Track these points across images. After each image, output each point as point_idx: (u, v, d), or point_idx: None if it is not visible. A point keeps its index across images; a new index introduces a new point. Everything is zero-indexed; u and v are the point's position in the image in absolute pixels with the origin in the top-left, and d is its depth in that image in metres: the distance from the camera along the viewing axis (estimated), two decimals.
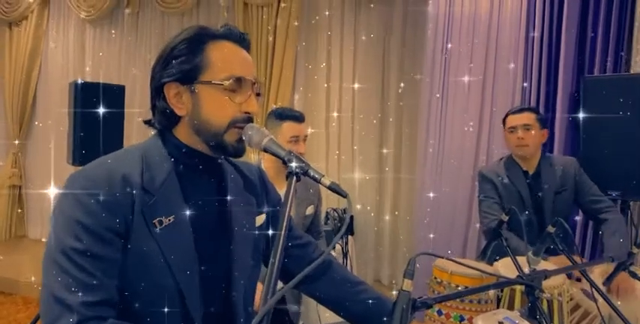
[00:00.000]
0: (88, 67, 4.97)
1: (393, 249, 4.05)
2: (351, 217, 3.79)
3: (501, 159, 2.74)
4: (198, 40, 1.07)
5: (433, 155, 3.52)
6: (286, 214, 0.85)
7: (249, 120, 1.07)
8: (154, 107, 1.12)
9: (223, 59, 1.06)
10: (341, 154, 4.19)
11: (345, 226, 0.98)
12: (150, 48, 4.69)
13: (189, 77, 1.06)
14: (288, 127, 2.30)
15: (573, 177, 2.55)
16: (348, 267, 3.12)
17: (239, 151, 1.09)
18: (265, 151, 1.01)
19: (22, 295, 4.74)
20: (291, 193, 0.88)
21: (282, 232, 0.82)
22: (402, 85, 4.05)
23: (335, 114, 4.21)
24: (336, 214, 3.68)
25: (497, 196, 2.60)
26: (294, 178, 0.91)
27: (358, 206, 4.07)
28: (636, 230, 2.79)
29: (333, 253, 3.12)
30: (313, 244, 1.38)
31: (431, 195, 3.49)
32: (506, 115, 2.68)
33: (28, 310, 4.39)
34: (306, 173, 0.93)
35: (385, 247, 4.06)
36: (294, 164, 0.93)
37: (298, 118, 2.33)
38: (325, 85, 4.24)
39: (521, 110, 2.64)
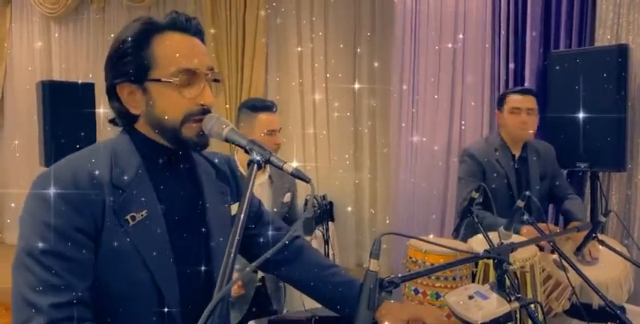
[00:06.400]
0: (55, 65, 4.88)
1: (373, 232, 4.11)
2: (331, 204, 3.84)
3: (486, 139, 2.64)
4: (142, 37, 1.04)
5: (406, 133, 3.58)
6: (245, 203, 0.84)
7: (206, 112, 1.05)
8: (113, 107, 1.10)
9: (170, 53, 1.03)
10: (317, 136, 4.25)
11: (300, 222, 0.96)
12: None
13: (138, 76, 1.03)
14: (264, 120, 2.27)
15: (552, 163, 2.57)
16: (330, 253, 3.15)
17: (201, 145, 1.07)
18: (227, 141, 1.00)
19: (2, 302, 4.67)
20: (251, 182, 0.88)
21: (239, 225, 0.82)
22: (375, 64, 4.12)
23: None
24: (315, 202, 3.70)
25: (482, 178, 2.47)
26: (255, 166, 0.91)
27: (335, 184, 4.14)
28: (605, 200, 2.85)
29: (314, 240, 3.13)
30: (284, 230, 1.39)
31: (407, 174, 3.54)
32: (506, 94, 2.52)
33: (10, 316, 4.33)
34: (268, 161, 0.92)
35: (365, 230, 4.12)
36: (255, 153, 0.93)
37: (271, 108, 2.31)
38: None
39: (525, 91, 2.48)
